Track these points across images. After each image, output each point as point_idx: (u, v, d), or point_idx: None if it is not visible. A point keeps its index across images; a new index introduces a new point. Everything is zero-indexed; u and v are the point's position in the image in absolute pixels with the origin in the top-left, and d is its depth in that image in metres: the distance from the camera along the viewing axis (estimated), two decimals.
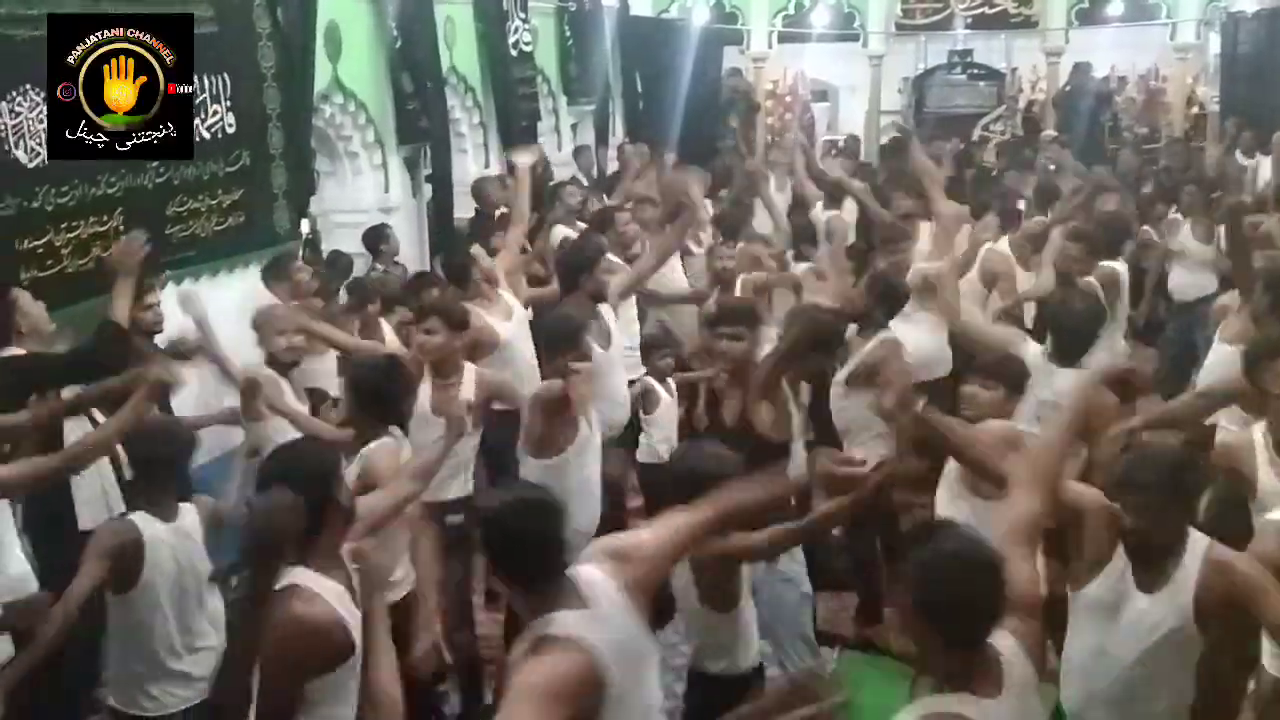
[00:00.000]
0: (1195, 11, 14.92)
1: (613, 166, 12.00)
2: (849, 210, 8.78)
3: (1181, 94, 15.52)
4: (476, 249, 6.42)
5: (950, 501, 4.26)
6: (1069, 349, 5.00)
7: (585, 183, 10.76)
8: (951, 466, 4.25)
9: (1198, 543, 3.24)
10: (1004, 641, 2.65)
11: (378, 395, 4.37)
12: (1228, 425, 4.86)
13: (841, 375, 5.64)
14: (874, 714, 2.84)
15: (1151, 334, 8.71)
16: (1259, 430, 4.20)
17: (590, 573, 2.83)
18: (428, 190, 9.12)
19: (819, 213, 8.75)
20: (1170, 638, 3.20)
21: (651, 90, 13.38)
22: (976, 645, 2.57)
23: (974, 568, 2.54)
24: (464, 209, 9.12)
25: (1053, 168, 11.26)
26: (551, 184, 9.94)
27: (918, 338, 6.08)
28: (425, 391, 5.11)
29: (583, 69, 11.81)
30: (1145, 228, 9.01)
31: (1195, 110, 15.36)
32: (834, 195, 8.92)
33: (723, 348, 4.93)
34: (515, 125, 10.20)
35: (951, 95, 16.14)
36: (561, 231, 8.37)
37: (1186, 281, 8.32)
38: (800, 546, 4.36)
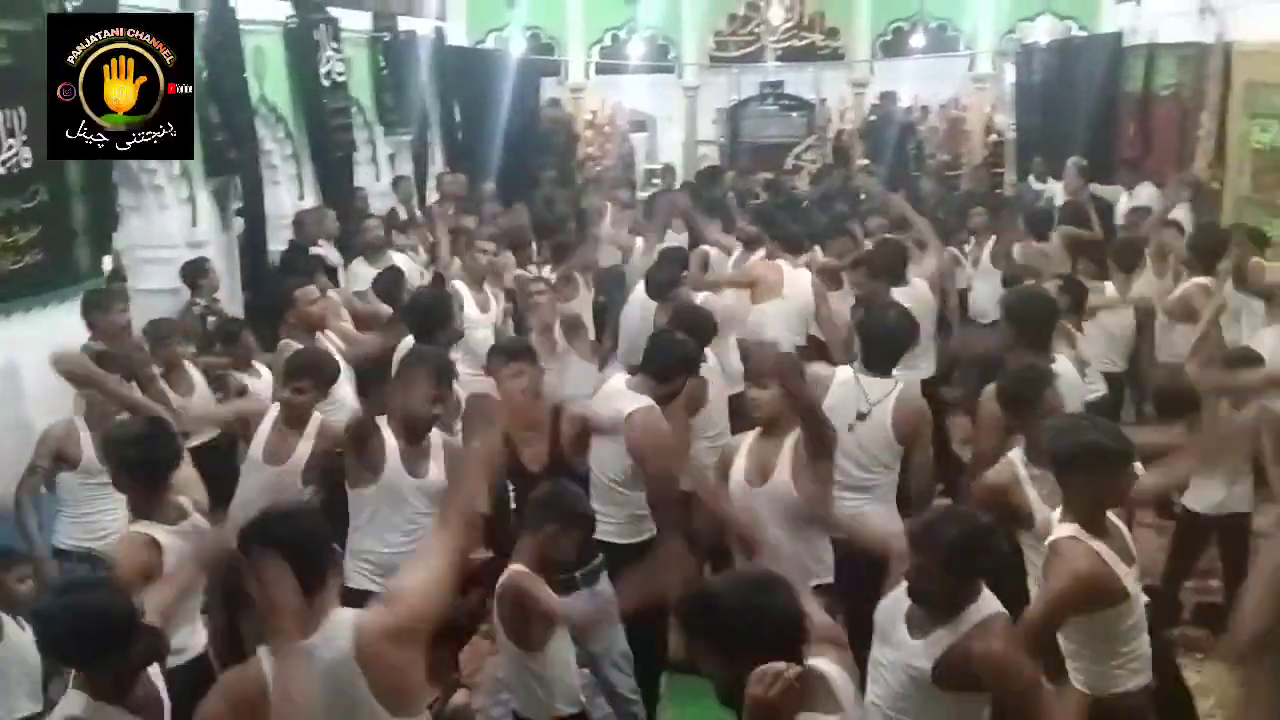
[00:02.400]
0: (991, 43, 15.63)
1: (433, 196, 11.95)
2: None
3: (980, 122, 16.23)
4: (304, 290, 6.29)
5: None
6: (880, 359, 5.08)
7: (404, 214, 10.65)
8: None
9: (983, 608, 3.25)
10: (827, 666, 2.73)
11: (137, 465, 4.09)
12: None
13: None
14: None
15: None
16: (1017, 458, 4.31)
17: (346, 616, 2.93)
18: (239, 224, 8.87)
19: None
20: (917, 684, 3.25)
21: (470, 120, 13.34)
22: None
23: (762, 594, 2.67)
24: (278, 242, 8.91)
25: (863, 195, 11.66)
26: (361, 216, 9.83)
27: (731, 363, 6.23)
28: (264, 435, 5.09)
29: (399, 99, 11.69)
30: (950, 250, 9.36)
31: (994, 138, 16.09)
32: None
33: (505, 383, 5.06)
34: (330, 156, 10.03)
35: (765, 125, 16.58)
36: (360, 268, 8.26)
37: (986, 304, 8.44)
38: None
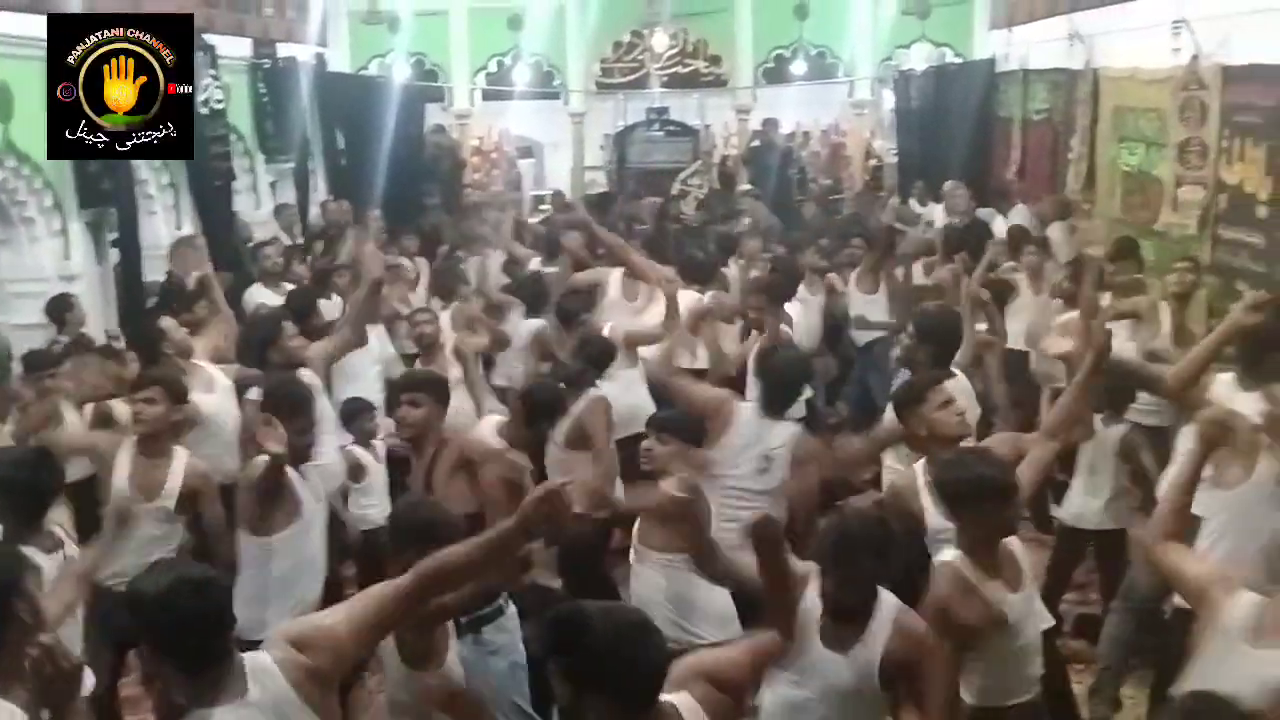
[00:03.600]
0: (870, 70, 15.94)
1: (317, 224, 11.79)
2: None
3: (861, 147, 16.55)
4: (167, 321, 6.14)
5: None
6: (776, 401, 5.18)
7: (288, 241, 10.49)
8: None
9: (885, 604, 3.39)
10: (683, 700, 2.75)
11: (19, 490, 3.98)
12: (894, 465, 5.18)
13: (559, 435, 5.75)
14: None
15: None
16: (920, 468, 4.41)
17: (262, 660, 2.78)
18: (115, 255, 8.64)
19: (536, 268, 8.82)
20: (861, 695, 3.33)
21: (354, 147, 13.19)
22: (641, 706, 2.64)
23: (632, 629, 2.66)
24: (155, 273, 8.70)
25: (747, 220, 11.78)
26: (250, 244, 9.67)
27: (618, 395, 6.20)
28: (125, 467, 4.87)
29: (280, 126, 11.53)
30: (832, 275, 9.49)
31: (874, 162, 16.40)
32: (551, 252, 9.02)
33: (401, 414, 4.96)
34: (208, 185, 9.84)
35: (651, 151, 16.67)
36: (259, 294, 8.13)
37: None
38: (515, 612, 4.33)
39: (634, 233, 10.31)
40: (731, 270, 8.68)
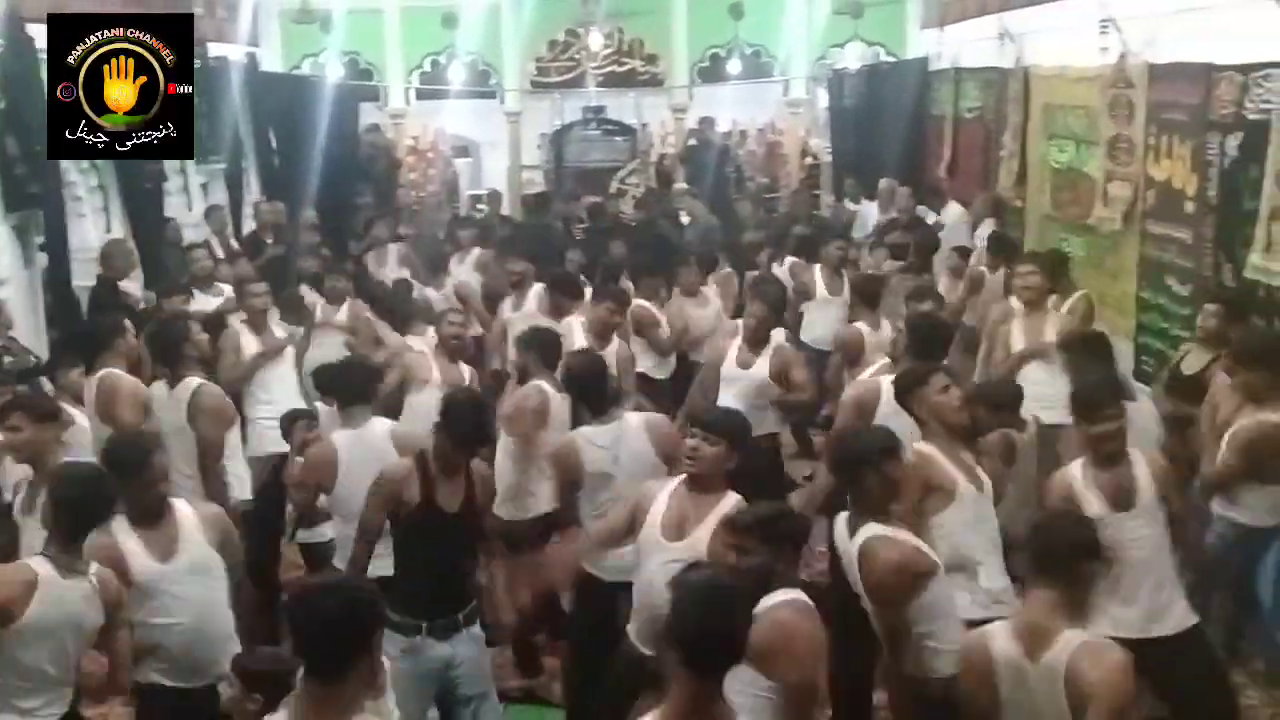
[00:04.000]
0: (804, 69, 16.04)
1: (250, 225, 11.65)
2: None
3: (796, 146, 16.65)
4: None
5: None
6: None
7: (218, 244, 10.35)
8: None
9: (786, 592, 3.49)
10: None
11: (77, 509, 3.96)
12: None
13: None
14: None
15: None
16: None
17: None
18: (43, 259, 8.47)
19: None
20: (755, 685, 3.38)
21: (287, 147, 13.03)
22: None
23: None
24: (84, 277, 8.54)
25: (686, 219, 11.82)
26: (185, 246, 9.55)
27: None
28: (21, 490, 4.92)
29: (211, 127, 11.34)
30: (773, 271, 9.56)
31: (809, 161, 16.52)
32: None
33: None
34: (138, 187, 9.68)
35: (588, 150, 16.67)
36: (200, 299, 8.04)
37: (821, 331, 8.63)
38: None
39: (573, 232, 10.32)
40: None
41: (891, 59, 14.92)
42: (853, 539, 3.94)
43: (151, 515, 4.21)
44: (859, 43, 15.33)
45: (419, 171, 16.41)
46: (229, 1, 12.94)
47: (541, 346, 6.03)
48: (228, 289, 8.34)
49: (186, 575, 4.20)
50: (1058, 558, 3.40)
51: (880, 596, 3.86)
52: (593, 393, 5.21)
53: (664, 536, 4.18)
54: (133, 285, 8.59)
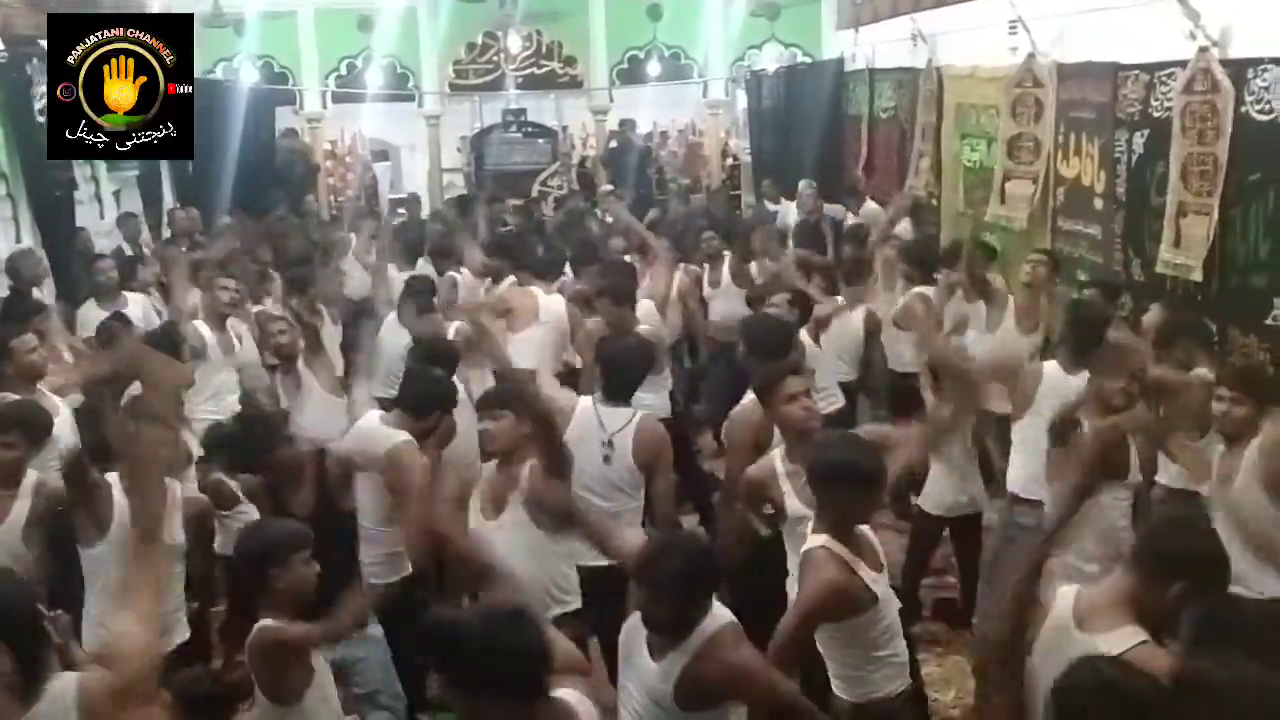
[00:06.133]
0: (723, 70, 16.14)
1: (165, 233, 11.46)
2: None
3: (716, 147, 16.77)
4: (23, 339, 5.90)
5: None
6: (618, 388, 5.18)
7: (130, 252, 10.17)
8: None
9: (713, 622, 3.36)
10: (572, 697, 2.80)
11: None
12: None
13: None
14: None
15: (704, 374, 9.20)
16: (778, 456, 4.52)
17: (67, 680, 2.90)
18: None
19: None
20: (662, 708, 3.34)
21: (202, 153, 12.77)
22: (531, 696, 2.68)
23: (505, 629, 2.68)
24: None
25: (609, 219, 11.83)
26: (95, 255, 9.36)
27: None
28: None
29: None
30: (692, 267, 9.60)
31: (730, 161, 16.62)
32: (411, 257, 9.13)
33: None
34: (48, 195, 9.48)
35: (509, 153, 16.60)
36: (93, 311, 7.85)
37: (727, 320, 8.55)
38: None
39: (497, 234, 10.26)
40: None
41: (808, 60, 15.07)
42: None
43: None
44: (776, 44, 15.48)
45: (337, 176, 16.26)
46: (138, 5, 12.70)
47: None
48: (137, 298, 8.18)
49: None
50: None
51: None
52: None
53: (484, 516, 4.45)
54: (44, 295, 8.38)
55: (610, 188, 14.18)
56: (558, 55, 16.18)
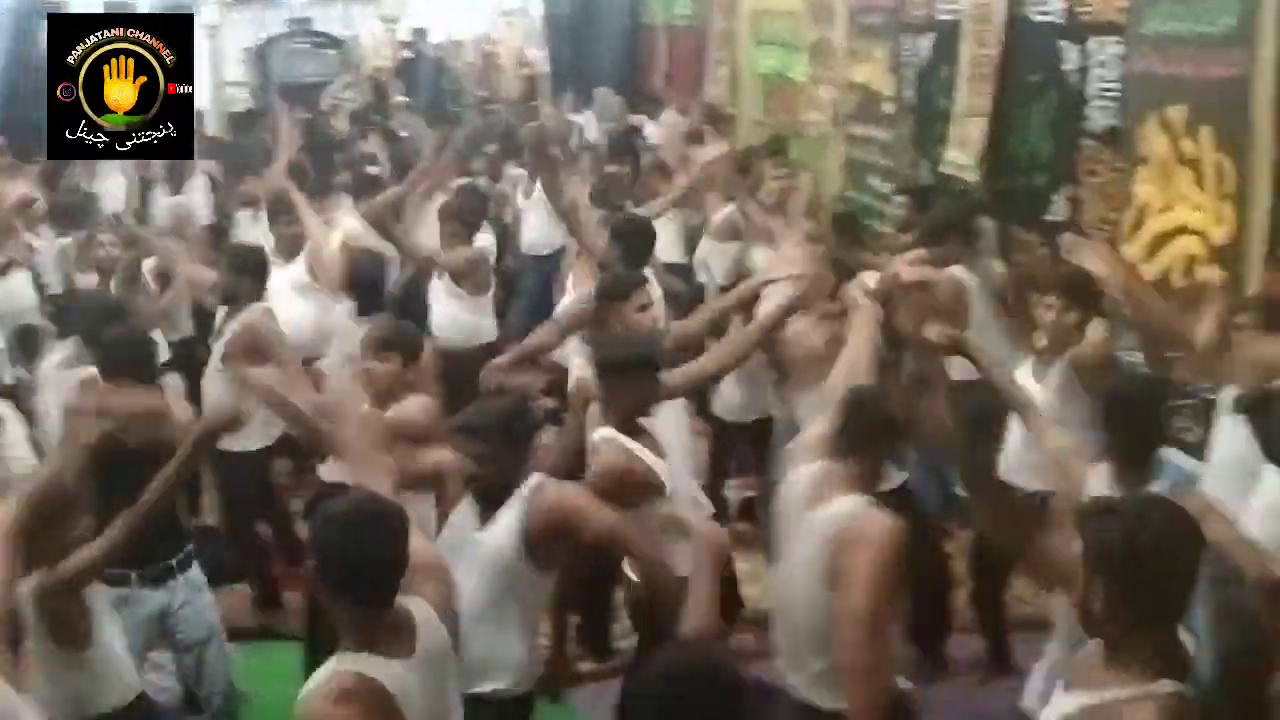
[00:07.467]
0: None
1: None
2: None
3: (513, 57, 16.47)
4: None
5: None
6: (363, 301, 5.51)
7: None
8: None
9: (534, 478, 3.51)
10: (417, 605, 2.73)
11: None
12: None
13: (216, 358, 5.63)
14: (285, 702, 2.77)
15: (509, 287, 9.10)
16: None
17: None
18: None
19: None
20: (510, 573, 3.42)
21: None
22: (380, 604, 2.63)
23: (365, 524, 2.61)
24: None
25: (405, 133, 11.54)
26: None
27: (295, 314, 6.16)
28: None
29: None
30: (500, 186, 9.47)
31: (526, 71, 16.36)
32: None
33: None
34: None
35: (297, 64, 15.93)
36: None
37: (538, 236, 8.68)
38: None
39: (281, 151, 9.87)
40: None
41: None
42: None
43: None
44: None
45: None
46: None
47: None
48: None
49: None
50: None
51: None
52: None
53: None
54: None
55: (404, 100, 13.85)
56: None
